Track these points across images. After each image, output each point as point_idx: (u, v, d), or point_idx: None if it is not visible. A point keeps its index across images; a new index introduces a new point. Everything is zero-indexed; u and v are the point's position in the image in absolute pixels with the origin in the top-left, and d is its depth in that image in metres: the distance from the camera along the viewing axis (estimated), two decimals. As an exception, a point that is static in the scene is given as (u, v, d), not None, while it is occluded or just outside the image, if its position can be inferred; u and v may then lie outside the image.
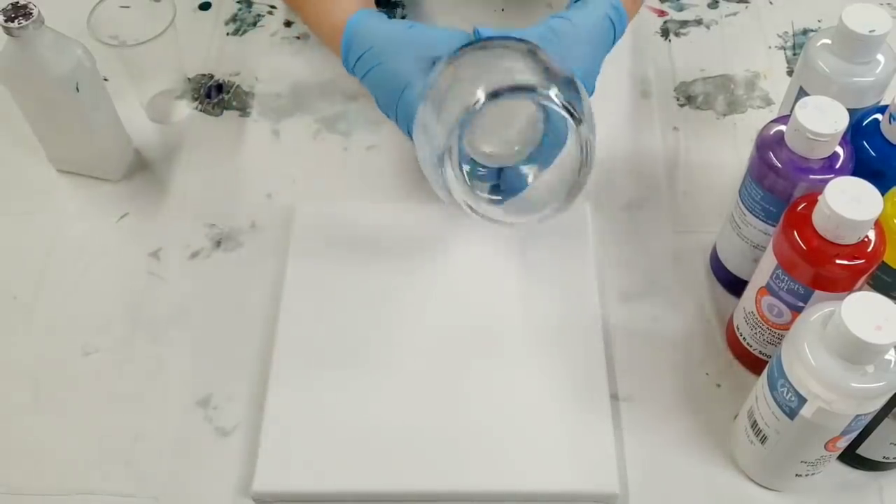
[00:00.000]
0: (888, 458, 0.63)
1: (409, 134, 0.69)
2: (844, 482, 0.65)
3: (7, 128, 0.84)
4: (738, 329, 0.69)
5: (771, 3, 0.95)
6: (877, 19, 0.66)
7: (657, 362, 0.70)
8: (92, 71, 0.74)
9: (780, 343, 0.59)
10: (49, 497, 0.65)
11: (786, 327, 0.62)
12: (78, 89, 0.73)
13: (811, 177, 0.61)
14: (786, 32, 0.92)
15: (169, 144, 0.84)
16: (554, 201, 0.67)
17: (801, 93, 0.70)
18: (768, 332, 0.65)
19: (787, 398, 0.57)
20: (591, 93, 0.71)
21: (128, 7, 0.79)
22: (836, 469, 0.65)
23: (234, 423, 0.68)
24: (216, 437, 0.67)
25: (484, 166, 0.71)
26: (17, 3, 0.69)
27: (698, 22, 0.93)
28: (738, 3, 0.95)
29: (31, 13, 0.69)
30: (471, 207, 0.67)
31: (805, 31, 0.92)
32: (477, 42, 0.67)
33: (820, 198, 0.56)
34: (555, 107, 0.63)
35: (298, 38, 0.91)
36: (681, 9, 0.94)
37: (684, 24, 0.93)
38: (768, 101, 0.86)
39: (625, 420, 0.67)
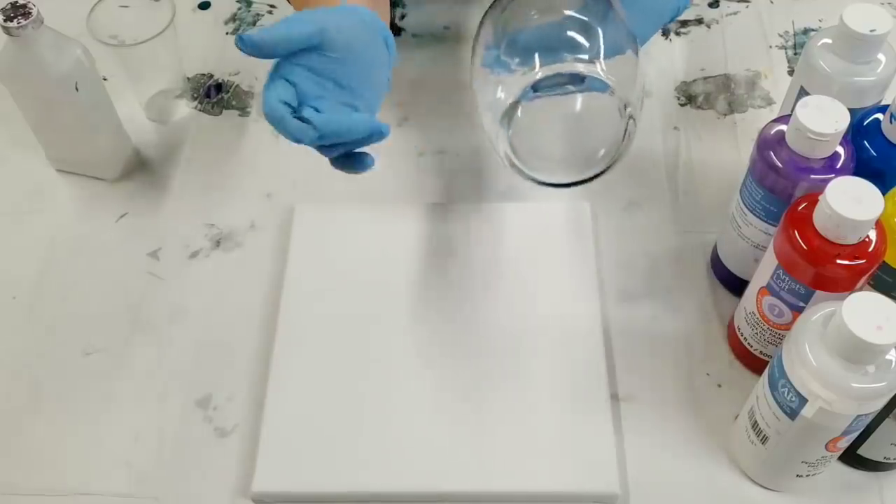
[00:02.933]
0: (889, 458, 0.63)
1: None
2: (845, 482, 0.65)
3: (7, 128, 0.84)
4: (738, 329, 0.68)
5: (772, 2, 0.95)
6: (877, 19, 0.65)
7: (657, 362, 0.70)
8: (91, 70, 0.74)
9: (780, 343, 0.59)
10: (49, 497, 0.65)
11: (786, 327, 0.62)
12: (77, 89, 0.73)
13: (812, 176, 0.61)
14: (787, 32, 0.92)
15: (168, 144, 0.84)
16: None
17: (802, 92, 0.70)
18: (769, 332, 0.65)
19: (788, 398, 0.56)
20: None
21: (127, 7, 0.79)
22: (836, 469, 0.65)
23: (233, 423, 0.68)
24: (216, 437, 0.67)
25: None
26: (17, 2, 0.69)
27: (699, 21, 0.93)
28: (738, 2, 0.94)
29: (30, 13, 0.69)
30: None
31: (806, 31, 0.92)
32: None
33: (821, 197, 0.56)
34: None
35: (298, 37, 0.91)
36: (681, 8, 0.94)
37: (685, 23, 0.93)
38: (769, 101, 0.86)
39: (625, 420, 0.67)
